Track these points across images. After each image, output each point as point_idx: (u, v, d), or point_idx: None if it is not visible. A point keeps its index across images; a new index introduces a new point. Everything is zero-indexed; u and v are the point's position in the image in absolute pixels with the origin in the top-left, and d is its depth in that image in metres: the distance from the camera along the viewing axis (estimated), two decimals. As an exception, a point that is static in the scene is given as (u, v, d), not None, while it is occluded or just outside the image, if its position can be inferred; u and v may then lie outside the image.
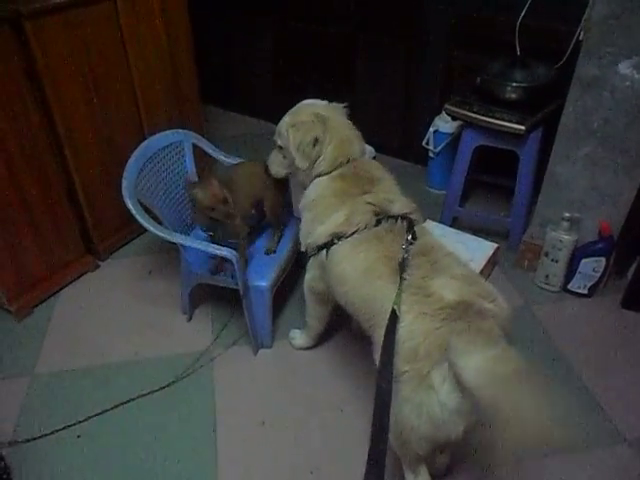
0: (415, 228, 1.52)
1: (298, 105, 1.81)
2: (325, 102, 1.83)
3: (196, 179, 2.10)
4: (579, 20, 2.09)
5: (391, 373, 1.26)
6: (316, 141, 1.66)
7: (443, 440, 1.30)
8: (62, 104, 2.12)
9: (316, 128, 1.67)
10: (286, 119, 1.75)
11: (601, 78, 1.95)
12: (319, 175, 1.70)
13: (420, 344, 1.25)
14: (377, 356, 1.34)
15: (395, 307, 1.30)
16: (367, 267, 1.48)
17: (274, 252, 2.07)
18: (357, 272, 1.50)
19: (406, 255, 1.41)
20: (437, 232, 2.33)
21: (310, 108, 1.76)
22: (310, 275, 1.81)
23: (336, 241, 1.57)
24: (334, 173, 1.67)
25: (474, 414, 1.24)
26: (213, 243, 1.88)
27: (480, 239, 2.44)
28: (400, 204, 1.60)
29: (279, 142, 1.77)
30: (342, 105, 1.85)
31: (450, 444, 1.44)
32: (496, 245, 2.39)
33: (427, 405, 1.24)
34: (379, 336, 1.33)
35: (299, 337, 2.07)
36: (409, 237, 1.47)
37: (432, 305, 1.29)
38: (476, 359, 1.17)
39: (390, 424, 1.27)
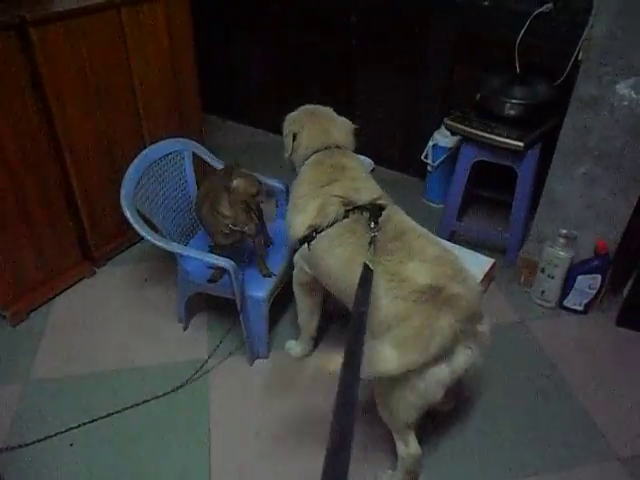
0: (385, 211, 1.62)
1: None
2: (329, 109, 1.99)
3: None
4: (578, 39, 2.11)
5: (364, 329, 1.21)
6: (294, 135, 1.85)
7: (427, 406, 1.46)
8: (64, 111, 2.13)
9: (297, 122, 1.88)
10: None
11: (600, 97, 1.97)
12: (300, 164, 1.84)
13: (392, 324, 1.40)
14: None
15: (367, 262, 1.38)
16: (346, 259, 1.57)
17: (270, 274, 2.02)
18: (339, 265, 1.60)
19: (374, 234, 1.52)
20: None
21: (307, 106, 1.97)
22: (297, 269, 1.86)
23: (314, 235, 1.66)
24: (308, 161, 1.81)
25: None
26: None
27: (477, 254, 2.45)
28: (366, 191, 1.68)
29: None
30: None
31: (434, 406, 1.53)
32: (493, 260, 2.40)
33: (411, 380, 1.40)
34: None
35: (295, 346, 2.09)
36: (372, 224, 1.56)
37: (405, 289, 1.41)
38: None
39: (379, 398, 1.51)
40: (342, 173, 1.72)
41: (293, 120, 1.92)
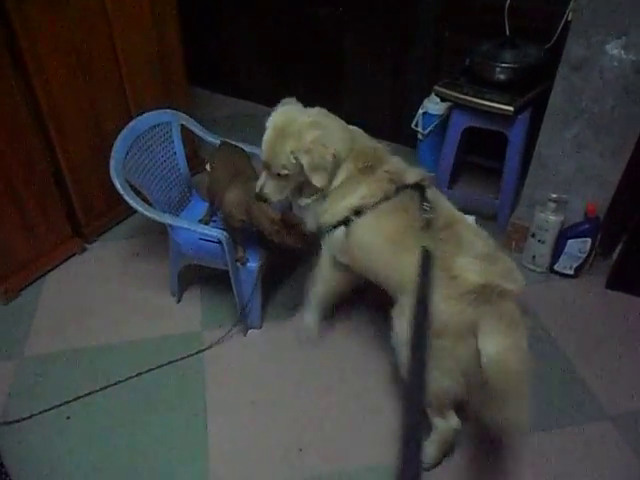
0: (428, 194, 1.57)
1: (283, 120, 1.64)
2: (300, 106, 1.76)
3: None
4: (568, 1, 2.09)
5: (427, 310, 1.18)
6: (334, 156, 1.58)
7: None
8: (46, 84, 2.08)
9: (329, 145, 1.58)
10: (287, 147, 1.57)
11: (589, 59, 1.96)
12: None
13: (447, 323, 1.34)
14: (399, 315, 1.49)
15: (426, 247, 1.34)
16: (393, 238, 1.52)
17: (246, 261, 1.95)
18: (383, 243, 1.54)
19: (430, 215, 1.47)
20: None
21: (300, 119, 1.62)
22: (327, 254, 1.78)
23: (353, 218, 1.58)
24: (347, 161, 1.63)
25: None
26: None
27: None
28: (412, 173, 1.64)
29: (282, 171, 1.60)
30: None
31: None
32: (474, 217, 2.41)
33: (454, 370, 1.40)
34: (407, 299, 1.40)
35: (306, 315, 1.99)
36: (426, 206, 1.51)
37: (457, 289, 1.35)
38: (495, 345, 1.31)
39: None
40: (384, 162, 1.65)
41: (317, 144, 1.57)
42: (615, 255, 2.31)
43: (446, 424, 1.56)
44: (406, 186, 1.58)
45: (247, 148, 2.02)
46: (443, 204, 1.60)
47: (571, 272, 2.32)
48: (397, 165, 1.67)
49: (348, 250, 1.65)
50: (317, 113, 1.71)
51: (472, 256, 1.40)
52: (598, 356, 2.00)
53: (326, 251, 1.79)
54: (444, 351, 1.37)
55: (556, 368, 1.95)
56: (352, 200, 1.60)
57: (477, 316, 1.33)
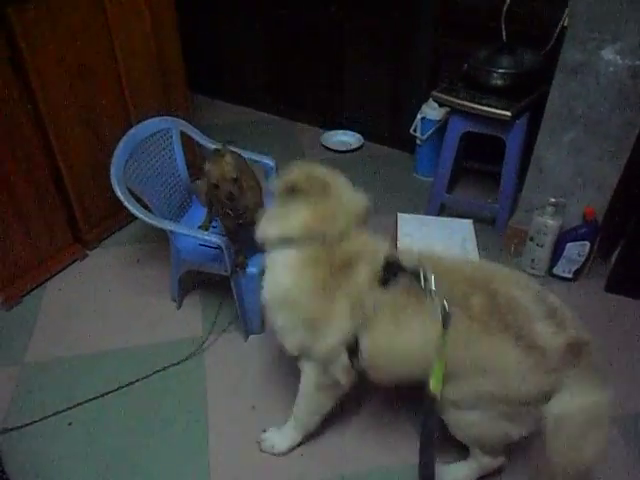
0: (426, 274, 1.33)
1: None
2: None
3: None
4: (564, 6, 2.11)
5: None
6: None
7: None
8: (47, 91, 2.10)
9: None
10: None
11: (586, 64, 1.98)
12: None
13: (535, 393, 1.28)
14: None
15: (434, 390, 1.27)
16: (421, 345, 1.32)
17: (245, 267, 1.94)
18: (413, 350, 1.35)
19: (444, 311, 1.27)
20: (414, 224, 2.38)
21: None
22: (322, 378, 1.50)
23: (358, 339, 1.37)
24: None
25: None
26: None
27: (456, 219, 2.44)
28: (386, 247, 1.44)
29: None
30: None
31: None
32: (471, 220, 2.42)
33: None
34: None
35: (281, 437, 1.68)
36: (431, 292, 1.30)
37: (543, 358, 1.24)
38: (580, 402, 1.27)
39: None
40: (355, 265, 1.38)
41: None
42: (614, 258, 2.32)
43: (493, 461, 1.54)
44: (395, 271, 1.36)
45: (245, 155, 2.03)
46: (460, 271, 1.39)
47: (570, 275, 2.33)
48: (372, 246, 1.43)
49: (367, 362, 1.41)
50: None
51: (539, 317, 1.27)
52: (597, 359, 1.99)
53: (311, 371, 1.51)
54: (521, 413, 1.32)
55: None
56: (338, 326, 1.37)
57: (565, 379, 1.26)
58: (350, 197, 1.47)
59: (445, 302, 1.27)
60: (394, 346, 1.35)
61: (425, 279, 1.31)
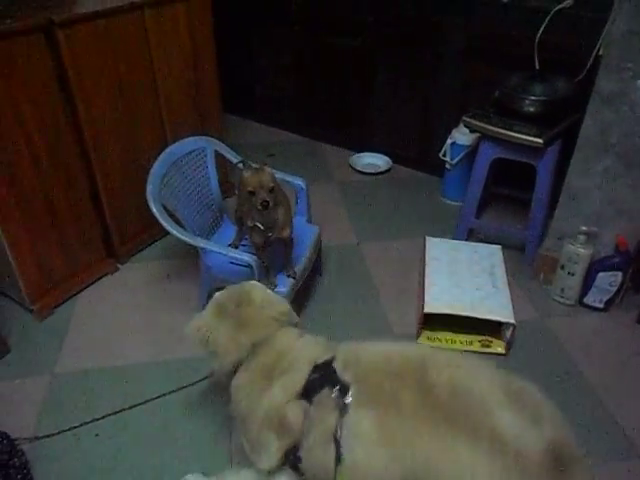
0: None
1: None
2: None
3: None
4: (598, 35, 2.11)
5: None
6: None
7: None
8: (89, 110, 2.18)
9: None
10: None
11: (620, 93, 1.97)
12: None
13: None
14: None
15: None
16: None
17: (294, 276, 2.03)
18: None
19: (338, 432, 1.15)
20: (443, 247, 2.39)
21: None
22: None
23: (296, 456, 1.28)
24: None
25: None
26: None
27: (484, 244, 2.47)
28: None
29: None
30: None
31: None
32: (500, 246, 2.42)
33: None
34: None
35: None
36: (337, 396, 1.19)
37: (516, 466, 1.01)
38: None
39: None
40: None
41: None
42: (646, 289, 2.28)
43: None
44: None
45: (277, 175, 2.06)
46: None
47: (601, 305, 2.28)
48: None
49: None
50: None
51: (510, 414, 1.06)
52: (628, 392, 1.95)
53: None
54: None
55: (585, 404, 1.91)
56: (274, 448, 1.29)
57: None
58: (268, 302, 1.45)
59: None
60: (323, 464, 1.21)
61: (343, 390, 1.20)
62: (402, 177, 3.31)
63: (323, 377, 1.25)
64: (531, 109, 2.33)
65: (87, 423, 1.82)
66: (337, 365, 1.27)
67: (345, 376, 1.23)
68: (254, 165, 1.81)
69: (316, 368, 1.28)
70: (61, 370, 2.05)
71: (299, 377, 1.28)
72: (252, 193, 1.74)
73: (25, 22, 1.91)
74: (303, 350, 1.36)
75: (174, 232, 1.83)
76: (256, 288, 1.49)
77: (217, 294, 1.53)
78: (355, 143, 3.52)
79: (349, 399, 1.18)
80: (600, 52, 2.04)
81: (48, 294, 2.29)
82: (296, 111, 3.77)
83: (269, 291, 1.51)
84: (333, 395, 1.21)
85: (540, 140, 2.23)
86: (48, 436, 1.79)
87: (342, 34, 3.26)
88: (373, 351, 1.31)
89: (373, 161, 3.43)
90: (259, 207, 1.74)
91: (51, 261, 2.25)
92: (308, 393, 1.24)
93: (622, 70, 1.93)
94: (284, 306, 1.48)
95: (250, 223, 1.85)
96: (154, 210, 1.82)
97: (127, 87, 2.30)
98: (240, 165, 1.88)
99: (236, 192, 2.04)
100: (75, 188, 2.25)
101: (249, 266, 1.86)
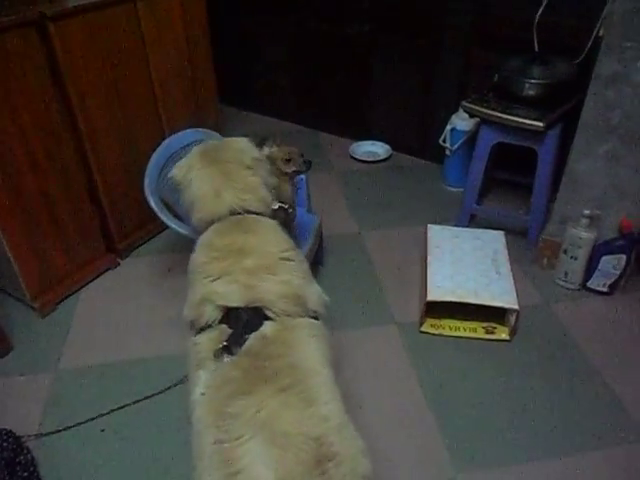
0: (268, 327, 1.15)
1: None
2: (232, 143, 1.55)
3: None
4: (598, 16, 2.08)
5: None
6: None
7: None
8: (84, 104, 2.15)
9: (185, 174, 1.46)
10: None
11: (622, 73, 1.94)
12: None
13: None
14: None
15: None
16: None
17: None
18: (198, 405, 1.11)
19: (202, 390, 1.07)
20: (445, 235, 2.38)
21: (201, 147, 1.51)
22: None
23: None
24: (200, 239, 1.39)
25: None
26: None
27: (487, 230, 2.44)
28: (260, 291, 1.20)
29: None
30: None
31: None
32: (502, 232, 2.40)
33: None
34: None
35: None
36: (221, 349, 1.10)
37: None
38: None
39: None
40: (237, 261, 1.25)
41: (180, 168, 1.46)
42: (651, 272, 2.26)
43: None
44: (231, 311, 1.18)
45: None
46: (284, 337, 1.14)
47: (605, 289, 2.27)
48: (247, 278, 1.23)
49: None
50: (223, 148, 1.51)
51: (267, 439, 0.95)
52: (633, 376, 1.94)
53: None
54: None
55: (591, 388, 1.90)
56: (187, 309, 1.28)
57: None
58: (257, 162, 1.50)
59: None
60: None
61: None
62: (402, 165, 3.29)
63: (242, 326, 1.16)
64: (531, 92, 2.30)
65: (92, 419, 1.82)
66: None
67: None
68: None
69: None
70: (65, 366, 2.05)
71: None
72: (289, 160, 1.80)
73: (16, 16, 1.88)
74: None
75: (173, 226, 1.82)
76: (238, 142, 1.47)
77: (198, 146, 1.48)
78: (354, 131, 3.49)
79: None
80: (600, 33, 2.01)
81: (50, 291, 2.28)
82: (294, 100, 3.74)
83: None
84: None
85: (541, 124, 2.20)
86: (53, 433, 1.79)
87: (339, 21, 3.22)
88: None
89: (373, 149, 3.41)
90: (303, 168, 1.82)
91: (51, 257, 2.24)
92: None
93: (623, 50, 1.90)
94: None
95: (274, 206, 1.83)
96: (152, 204, 1.81)
97: (122, 80, 2.28)
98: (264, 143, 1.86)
99: None
100: (72, 183, 2.23)
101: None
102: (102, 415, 1.83)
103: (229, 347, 1.11)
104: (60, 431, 1.79)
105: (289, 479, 0.91)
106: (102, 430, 1.80)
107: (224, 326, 1.16)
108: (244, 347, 1.10)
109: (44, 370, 2.03)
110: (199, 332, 1.19)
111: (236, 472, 0.92)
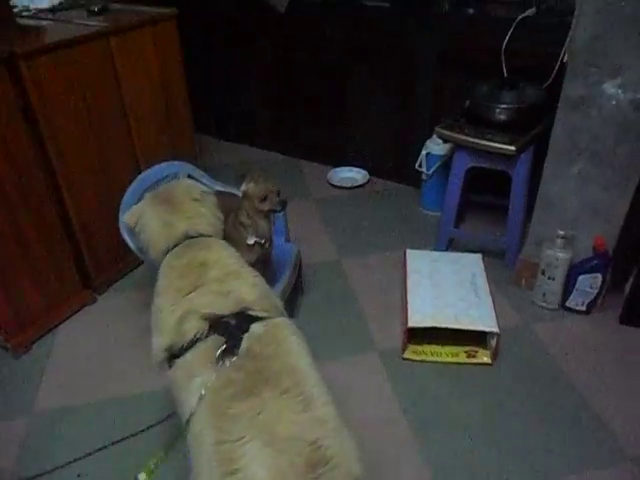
0: (258, 328, 1.19)
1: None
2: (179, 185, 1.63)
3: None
4: (562, 42, 2.13)
5: None
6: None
7: None
8: (57, 140, 2.14)
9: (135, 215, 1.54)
10: None
11: (587, 98, 1.99)
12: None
13: None
14: None
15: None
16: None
17: None
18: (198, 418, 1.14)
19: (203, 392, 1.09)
20: (423, 259, 2.39)
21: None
22: None
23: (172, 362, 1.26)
24: (162, 265, 1.41)
25: None
26: None
27: (465, 254, 2.48)
28: (237, 296, 1.26)
29: None
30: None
31: None
32: (480, 254, 2.43)
33: None
34: None
35: None
36: (218, 356, 1.13)
37: None
38: None
39: None
40: (204, 273, 1.31)
41: (132, 214, 1.53)
42: (627, 289, 2.29)
43: None
44: (220, 320, 1.21)
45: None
46: (275, 339, 1.19)
47: (583, 308, 2.29)
48: (219, 286, 1.29)
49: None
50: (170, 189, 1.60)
51: (266, 442, 0.98)
52: (615, 394, 1.95)
53: None
54: None
55: (571, 408, 1.91)
56: (161, 339, 1.28)
57: None
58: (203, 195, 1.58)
59: None
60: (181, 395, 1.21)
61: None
62: (380, 190, 3.31)
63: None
64: (502, 117, 2.34)
65: (68, 463, 1.77)
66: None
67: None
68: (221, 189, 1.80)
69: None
70: (40, 409, 1.99)
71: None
72: (264, 199, 1.75)
73: (-15, 55, 1.88)
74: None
75: (148, 261, 1.80)
76: (186, 181, 1.60)
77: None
78: (331, 158, 3.52)
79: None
80: (565, 59, 2.06)
81: (24, 330, 2.23)
82: (272, 129, 3.77)
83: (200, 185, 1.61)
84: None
85: (512, 147, 2.24)
86: (30, 479, 1.73)
87: (314, 51, 3.27)
88: None
89: (350, 175, 3.43)
90: (278, 208, 1.78)
91: (25, 296, 2.19)
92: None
93: (587, 75, 1.96)
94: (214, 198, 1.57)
95: (250, 241, 1.83)
96: (128, 240, 1.79)
97: (96, 116, 2.27)
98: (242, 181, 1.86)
99: (232, 216, 1.98)
100: (46, 220, 2.20)
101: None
102: (78, 459, 1.78)
103: (230, 349, 1.13)
104: (36, 477, 1.73)
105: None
106: (78, 475, 1.74)
107: (215, 335, 1.18)
108: (242, 348, 1.14)
109: (18, 414, 1.97)
110: (184, 352, 1.20)
111: (235, 471, 0.96)
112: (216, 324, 1.19)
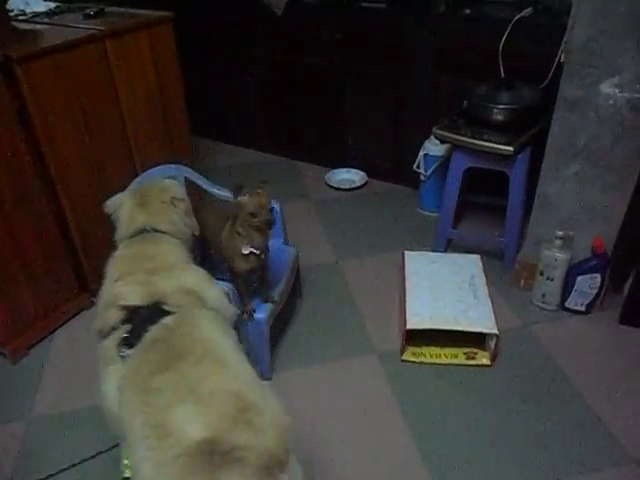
0: (169, 320, 1.26)
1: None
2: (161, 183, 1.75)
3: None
4: (559, 42, 2.13)
5: None
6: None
7: None
8: (53, 145, 2.13)
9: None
10: None
11: (584, 98, 1.99)
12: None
13: None
14: None
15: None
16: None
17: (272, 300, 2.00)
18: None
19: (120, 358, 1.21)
20: (422, 261, 2.38)
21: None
22: None
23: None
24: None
25: None
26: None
27: (463, 255, 2.47)
28: (159, 287, 1.35)
29: None
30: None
31: None
32: (478, 255, 2.42)
33: None
34: None
35: None
36: (121, 345, 1.24)
37: (170, 450, 0.98)
38: None
39: None
40: (139, 264, 1.43)
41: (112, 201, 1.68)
42: (626, 289, 2.28)
43: None
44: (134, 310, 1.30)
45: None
46: (181, 331, 1.25)
47: (582, 309, 2.28)
48: (147, 277, 1.39)
49: None
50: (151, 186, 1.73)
51: (196, 400, 1.05)
52: (615, 395, 1.94)
53: None
54: None
55: (572, 409, 1.90)
56: (96, 321, 1.40)
57: None
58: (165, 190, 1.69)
59: None
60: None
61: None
62: (378, 191, 3.31)
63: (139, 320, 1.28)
64: (499, 117, 2.34)
65: (65, 469, 1.76)
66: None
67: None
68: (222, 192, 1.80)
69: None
70: (37, 414, 1.98)
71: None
72: (253, 215, 1.72)
73: (-19, 60, 1.87)
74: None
75: (145, 265, 1.79)
76: (164, 183, 1.69)
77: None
78: (329, 160, 3.51)
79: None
80: (561, 59, 2.06)
81: (21, 335, 2.22)
82: (269, 131, 3.76)
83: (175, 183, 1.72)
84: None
85: (510, 148, 2.24)
86: (26, 485, 1.72)
87: (310, 53, 3.27)
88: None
89: (348, 176, 3.42)
90: (263, 227, 1.74)
91: (22, 301, 2.19)
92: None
93: (584, 76, 1.95)
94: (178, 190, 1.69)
95: (245, 251, 1.82)
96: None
97: (92, 120, 2.26)
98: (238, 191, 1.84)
99: (229, 223, 1.96)
100: (43, 225, 2.19)
101: (226, 295, 1.82)
102: (75, 465, 1.77)
103: (129, 339, 1.24)
104: (32, 484, 1.73)
105: (217, 430, 0.99)
106: (76, 480, 1.74)
107: (127, 325, 1.28)
108: (148, 336, 1.22)
109: (16, 418, 1.96)
110: (106, 338, 1.30)
111: (168, 433, 1.01)
112: (131, 314, 1.29)
